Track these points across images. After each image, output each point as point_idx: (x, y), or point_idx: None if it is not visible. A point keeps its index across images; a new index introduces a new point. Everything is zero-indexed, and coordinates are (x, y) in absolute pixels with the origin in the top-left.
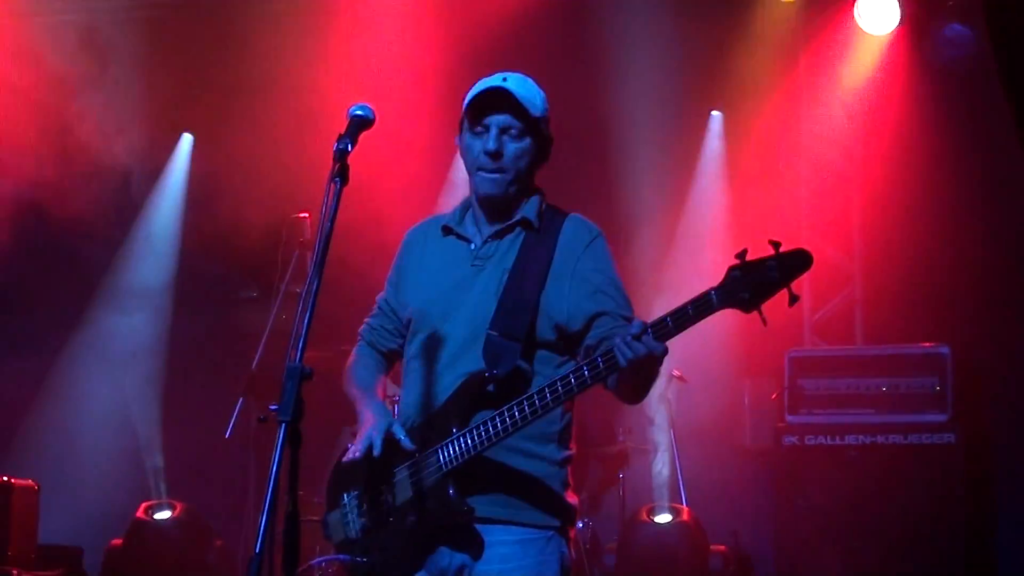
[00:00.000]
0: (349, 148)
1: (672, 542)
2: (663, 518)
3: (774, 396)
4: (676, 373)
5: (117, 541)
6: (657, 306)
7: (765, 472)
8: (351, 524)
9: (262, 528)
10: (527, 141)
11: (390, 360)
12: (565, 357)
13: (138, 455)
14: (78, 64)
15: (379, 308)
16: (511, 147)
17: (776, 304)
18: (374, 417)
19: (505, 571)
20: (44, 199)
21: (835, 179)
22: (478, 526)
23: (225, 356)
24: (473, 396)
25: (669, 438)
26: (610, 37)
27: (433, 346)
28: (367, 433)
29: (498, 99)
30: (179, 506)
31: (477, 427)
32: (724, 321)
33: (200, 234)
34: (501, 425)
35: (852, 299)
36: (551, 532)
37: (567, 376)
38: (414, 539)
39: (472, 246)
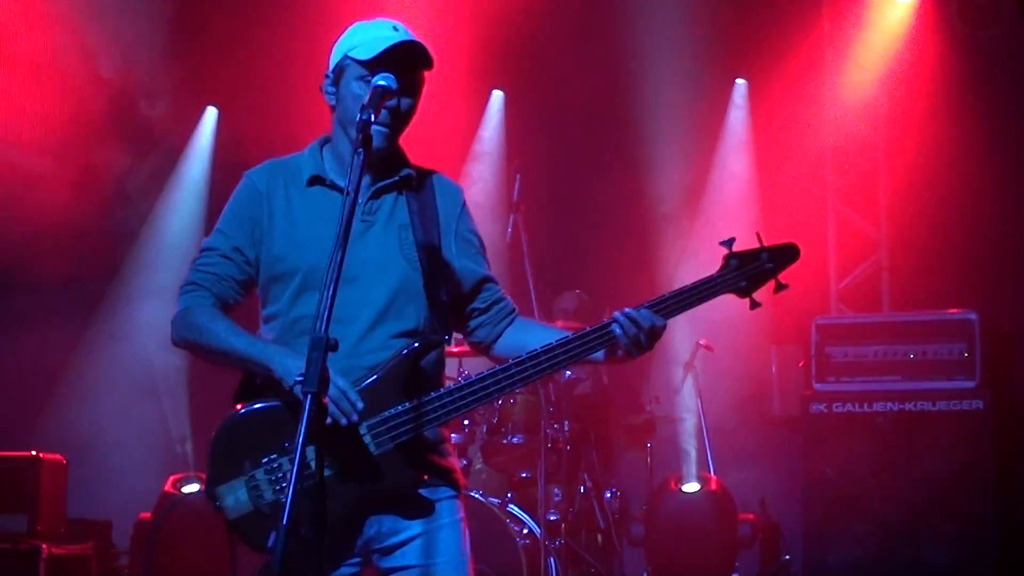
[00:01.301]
0: (372, 118)
1: (700, 511)
2: (691, 487)
3: (801, 364)
4: (702, 342)
5: (145, 514)
6: (683, 273)
7: (793, 440)
8: (261, 496)
9: (289, 499)
10: (414, 96)
11: (229, 313)
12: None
13: (166, 428)
14: (101, 33)
15: (223, 256)
16: (406, 103)
17: (802, 271)
18: (295, 368)
19: (455, 523)
20: (69, 170)
21: (860, 146)
22: (422, 490)
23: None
24: (416, 361)
25: (696, 407)
26: (633, 6)
27: (338, 308)
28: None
29: (414, 55)
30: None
31: (441, 399)
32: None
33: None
34: (471, 396)
35: (879, 266)
36: (454, 491)
37: (551, 347)
38: (352, 510)
39: (350, 200)
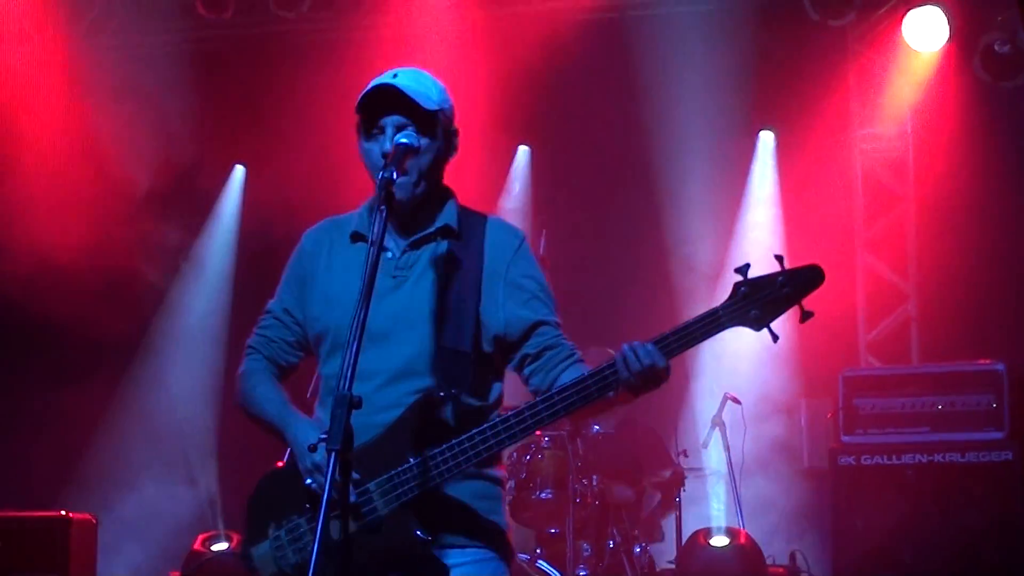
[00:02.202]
0: (395, 177)
1: (730, 565)
2: (720, 541)
3: (830, 416)
4: (730, 395)
5: (175, 573)
6: None
7: (822, 493)
8: (285, 558)
9: (314, 555)
10: (426, 139)
11: (286, 376)
12: (498, 373)
13: (195, 487)
14: (131, 95)
15: (275, 319)
16: (407, 146)
17: (832, 324)
18: (307, 436)
19: None
20: (94, 233)
21: (888, 197)
22: (435, 551)
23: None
24: (427, 417)
25: (725, 460)
26: (658, 60)
27: (364, 362)
28: (307, 455)
29: (389, 97)
30: (236, 537)
31: (443, 453)
32: (780, 340)
33: (254, 262)
34: (472, 451)
35: (907, 317)
36: (493, 552)
37: (550, 397)
38: (367, 572)
39: (389, 255)
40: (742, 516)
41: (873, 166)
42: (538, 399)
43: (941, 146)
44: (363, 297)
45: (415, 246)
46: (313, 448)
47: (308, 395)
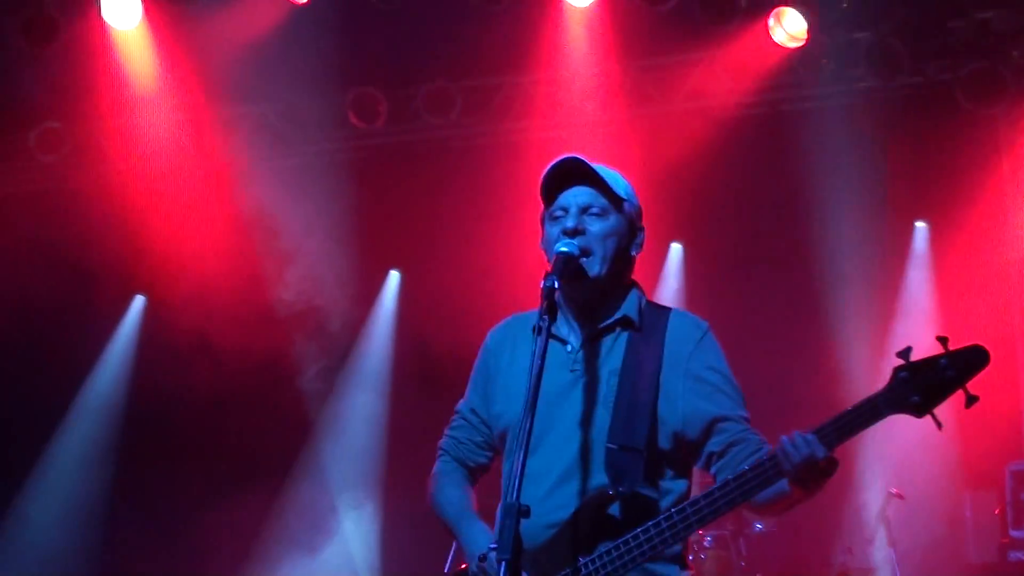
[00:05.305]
0: (556, 285)
1: None
2: None
3: (997, 511)
4: (894, 491)
5: None
6: None
7: None
8: None
9: None
10: (612, 219)
11: (476, 476)
12: (680, 470)
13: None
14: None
15: (463, 419)
16: (595, 226)
17: (995, 415)
18: (478, 543)
19: None
20: (249, 343)
21: None
22: None
23: None
24: (596, 516)
25: (890, 557)
26: (810, 152)
27: (535, 462)
28: (475, 561)
29: (573, 173)
30: None
31: (609, 553)
32: (942, 433)
33: (412, 368)
34: (638, 549)
35: None
36: None
37: (711, 493)
38: None
39: (568, 348)
40: None
41: None
42: (700, 495)
43: None
44: (528, 406)
45: (594, 338)
46: (483, 558)
47: None
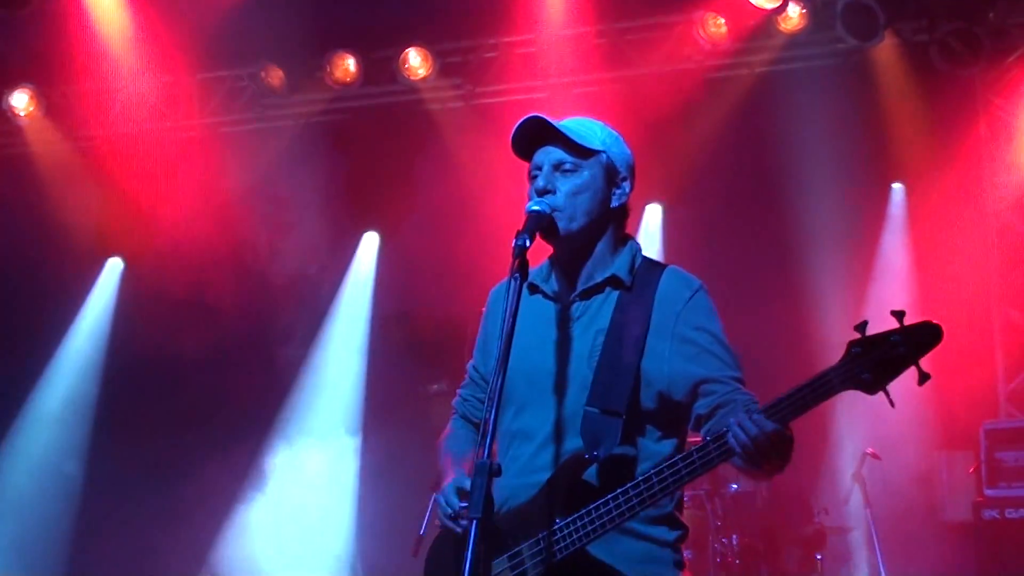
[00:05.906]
0: (528, 244)
1: None
2: None
3: (972, 470)
4: (869, 451)
5: None
6: (849, 396)
7: (965, 547)
8: None
9: None
10: (584, 174)
11: None
12: (668, 431)
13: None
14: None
15: (469, 377)
16: (565, 183)
17: (969, 374)
18: (450, 498)
19: None
20: (229, 306)
21: (1023, 244)
22: None
23: (422, 454)
24: (573, 481)
25: (866, 516)
26: (787, 115)
27: (526, 421)
28: (446, 509)
29: (547, 130)
30: None
31: (581, 518)
32: (917, 393)
33: (385, 332)
34: (607, 516)
35: None
36: None
37: (675, 462)
38: None
39: (559, 306)
40: (885, 572)
41: (1008, 215)
42: (663, 463)
43: None
44: (499, 364)
45: (584, 296)
46: (457, 515)
47: None
